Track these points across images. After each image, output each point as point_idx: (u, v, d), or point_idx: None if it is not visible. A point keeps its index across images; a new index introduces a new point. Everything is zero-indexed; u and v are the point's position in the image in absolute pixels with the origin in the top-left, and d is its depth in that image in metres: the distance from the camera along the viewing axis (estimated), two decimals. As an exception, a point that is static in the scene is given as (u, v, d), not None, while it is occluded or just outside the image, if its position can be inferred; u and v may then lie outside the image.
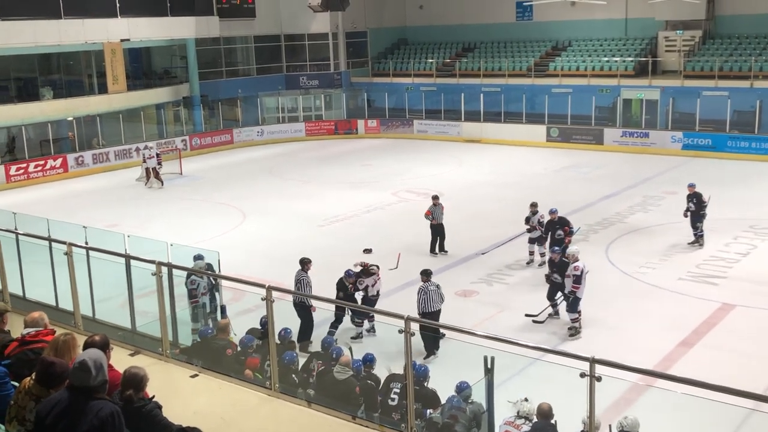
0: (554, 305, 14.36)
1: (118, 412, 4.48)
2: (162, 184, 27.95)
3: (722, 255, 17.90)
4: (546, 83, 35.89)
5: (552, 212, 16.94)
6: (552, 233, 16.78)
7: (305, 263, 13.78)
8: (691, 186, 18.67)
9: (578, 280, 13.57)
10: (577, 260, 13.79)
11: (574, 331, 13.59)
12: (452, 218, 19.19)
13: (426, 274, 13.46)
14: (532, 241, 17.68)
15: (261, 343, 9.92)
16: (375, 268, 13.99)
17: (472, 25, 40.93)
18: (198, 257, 13.44)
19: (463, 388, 8.73)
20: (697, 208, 18.39)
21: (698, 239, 18.55)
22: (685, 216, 18.66)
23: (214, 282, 13.10)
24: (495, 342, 7.39)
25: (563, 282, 14.02)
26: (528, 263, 17.69)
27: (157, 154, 28.31)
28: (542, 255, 17.54)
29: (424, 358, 12.34)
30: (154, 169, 27.93)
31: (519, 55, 38.81)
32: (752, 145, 29.80)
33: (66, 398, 4.48)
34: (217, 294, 13.20)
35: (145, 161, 28.29)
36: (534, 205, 17.71)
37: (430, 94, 38.52)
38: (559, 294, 14.21)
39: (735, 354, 12.81)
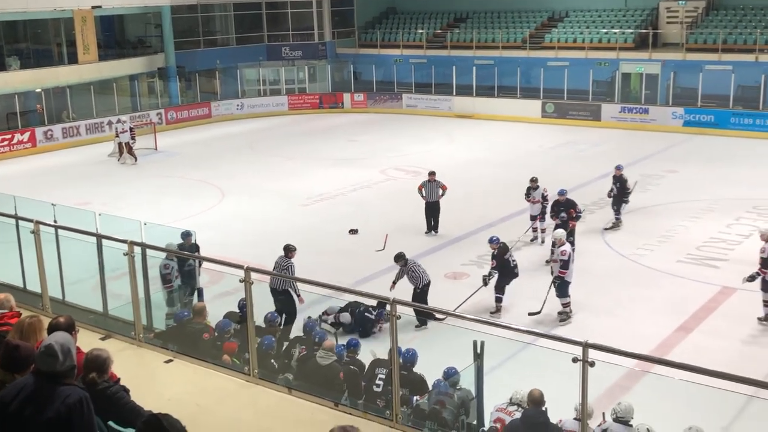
0: (498, 300, 14.27)
1: (87, 398, 4.46)
2: (135, 160, 27.80)
3: (723, 236, 18.02)
4: (542, 56, 35.82)
5: (561, 193, 16.85)
6: (556, 215, 16.75)
7: (290, 250, 13.51)
8: (618, 168, 18.68)
9: (566, 264, 13.54)
10: (563, 243, 13.73)
11: (564, 316, 13.67)
12: (444, 197, 19.18)
13: (400, 258, 13.83)
14: (533, 217, 17.81)
15: (239, 328, 9.92)
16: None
17: (464, -6, 40.77)
18: (186, 234, 13.44)
19: (450, 374, 8.77)
20: (620, 192, 18.45)
21: (617, 223, 18.78)
22: (609, 197, 18.77)
23: (192, 263, 13.06)
24: (485, 326, 7.42)
25: (490, 272, 14.13)
26: (532, 240, 17.87)
27: (131, 128, 28.12)
28: (543, 231, 17.80)
29: (416, 327, 12.53)
30: (127, 144, 27.76)
31: (513, 26, 38.70)
32: (756, 122, 29.91)
33: (32, 383, 4.46)
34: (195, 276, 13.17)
35: (117, 135, 28.12)
36: (534, 180, 17.81)
37: (419, 66, 38.37)
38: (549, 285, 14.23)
39: (735, 339, 12.92)
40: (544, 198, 17.70)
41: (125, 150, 27.80)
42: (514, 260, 14.28)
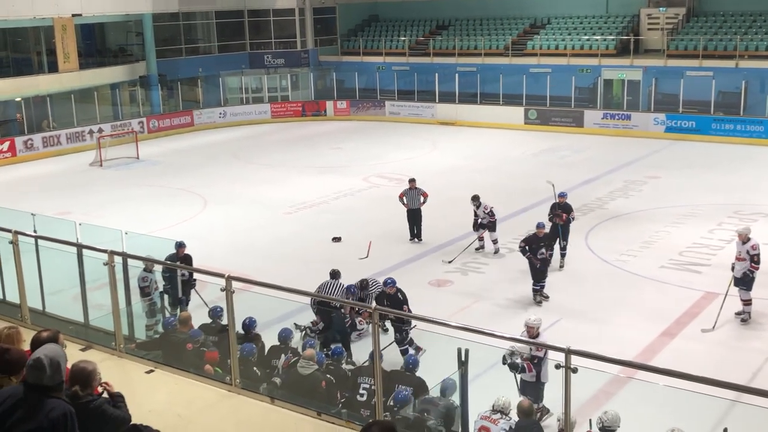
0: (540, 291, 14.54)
1: (71, 413, 4.45)
2: None
3: (706, 242, 18.11)
4: (524, 63, 35.93)
5: (561, 195, 16.83)
6: (553, 216, 16.72)
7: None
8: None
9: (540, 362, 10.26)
10: (538, 334, 10.55)
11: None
12: (425, 204, 19.20)
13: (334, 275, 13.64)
14: (482, 227, 17.74)
15: (216, 338, 9.89)
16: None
17: (446, 1, 40.84)
18: (179, 244, 13.33)
19: (449, 387, 8.68)
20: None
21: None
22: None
23: (186, 274, 13.00)
24: (469, 333, 7.39)
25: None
26: (477, 249, 17.85)
27: None
28: (494, 242, 17.76)
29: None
30: None
31: (496, 33, 38.84)
32: (737, 127, 30.15)
33: (20, 393, 4.47)
34: (179, 285, 13.10)
35: None
36: (475, 198, 17.71)
37: (402, 73, 38.44)
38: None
39: (718, 344, 12.98)
40: (490, 214, 17.59)
41: None
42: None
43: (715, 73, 31.15)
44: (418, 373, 9.28)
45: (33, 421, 4.34)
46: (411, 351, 11.81)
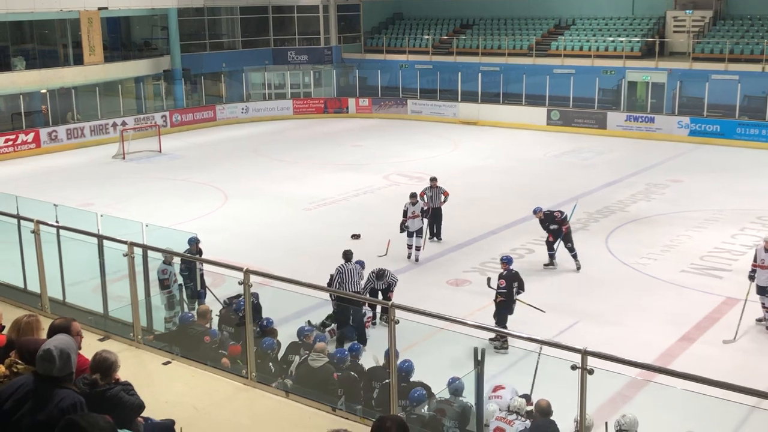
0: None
1: (81, 403, 4.48)
2: None
3: (728, 247, 17.95)
4: (548, 63, 35.80)
5: (536, 211, 16.60)
6: (547, 230, 16.60)
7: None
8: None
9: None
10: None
11: None
12: (445, 204, 19.17)
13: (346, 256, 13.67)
14: (411, 234, 17.38)
15: (232, 329, 9.93)
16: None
17: (471, 0, 40.75)
18: (192, 240, 13.39)
19: (458, 387, 8.58)
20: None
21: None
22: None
23: (200, 267, 13.05)
24: (486, 332, 7.37)
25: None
26: (408, 257, 17.55)
27: None
28: (417, 249, 17.46)
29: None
30: None
31: (520, 33, 38.71)
32: (762, 132, 29.83)
33: (30, 383, 4.50)
34: (198, 278, 13.15)
35: None
36: (413, 196, 17.51)
37: (425, 72, 38.39)
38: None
39: (737, 350, 12.86)
40: (424, 213, 17.45)
41: None
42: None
43: (740, 77, 30.84)
44: (418, 376, 9.18)
45: (43, 412, 4.37)
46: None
